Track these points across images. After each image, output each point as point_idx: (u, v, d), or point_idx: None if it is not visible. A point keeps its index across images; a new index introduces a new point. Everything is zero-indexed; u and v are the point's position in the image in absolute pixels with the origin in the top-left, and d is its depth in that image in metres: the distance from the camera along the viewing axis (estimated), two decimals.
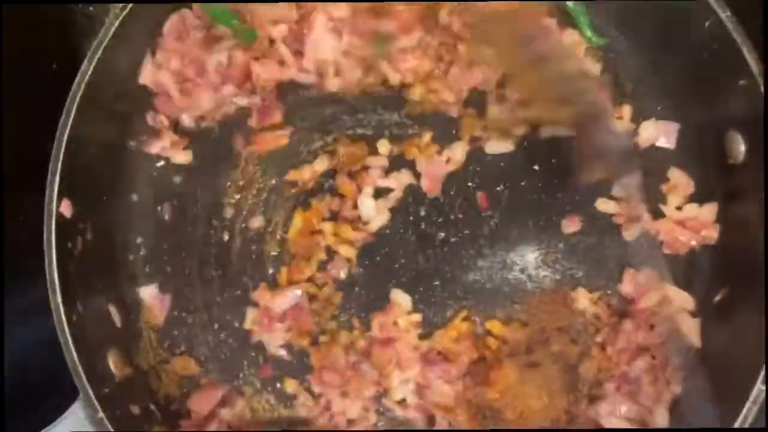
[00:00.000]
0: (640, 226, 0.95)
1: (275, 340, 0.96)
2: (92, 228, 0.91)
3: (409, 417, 0.94)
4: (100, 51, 0.86)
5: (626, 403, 0.91)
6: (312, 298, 0.97)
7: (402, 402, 0.95)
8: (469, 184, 0.97)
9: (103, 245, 0.94)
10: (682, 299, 0.93)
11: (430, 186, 0.97)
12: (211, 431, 0.94)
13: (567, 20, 0.98)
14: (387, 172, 0.98)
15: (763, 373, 0.79)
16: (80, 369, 0.82)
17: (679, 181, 0.95)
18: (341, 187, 0.98)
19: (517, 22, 0.87)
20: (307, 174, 0.98)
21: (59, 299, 0.83)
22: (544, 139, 0.97)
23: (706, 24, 0.86)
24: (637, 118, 0.97)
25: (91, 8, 1.03)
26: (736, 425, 0.80)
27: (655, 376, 0.92)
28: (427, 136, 0.98)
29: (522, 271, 0.96)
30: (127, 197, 0.98)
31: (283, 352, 0.96)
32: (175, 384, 0.95)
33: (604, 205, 0.96)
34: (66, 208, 0.86)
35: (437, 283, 0.97)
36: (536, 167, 0.97)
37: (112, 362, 0.89)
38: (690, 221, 0.94)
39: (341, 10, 0.93)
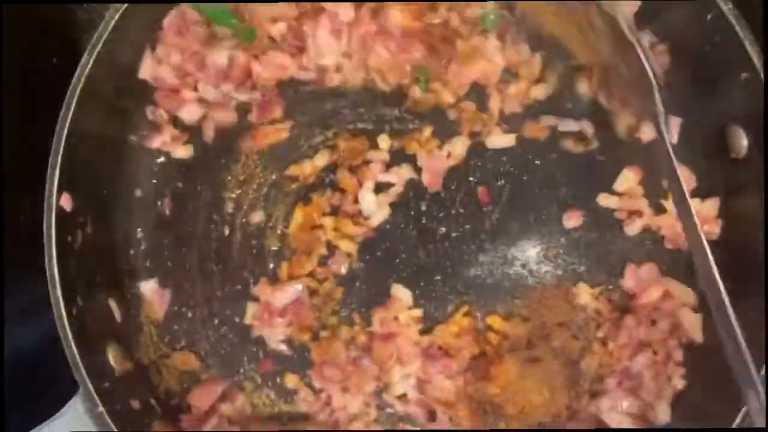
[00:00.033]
0: (642, 221, 0.95)
1: (276, 335, 0.96)
2: (92, 222, 0.91)
3: (409, 412, 0.94)
4: (100, 44, 0.86)
5: (628, 398, 0.92)
6: (313, 293, 0.97)
7: (403, 397, 0.95)
8: (470, 178, 0.97)
9: (103, 239, 0.93)
10: (684, 294, 0.93)
11: (431, 181, 0.97)
12: (211, 428, 0.94)
13: None
14: (388, 166, 0.97)
15: (763, 371, 0.79)
16: (80, 363, 0.82)
17: (682, 176, 0.94)
18: (342, 182, 0.98)
19: None
20: (307, 169, 0.98)
21: (59, 293, 0.83)
22: (544, 135, 0.97)
23: (708, 17, 0.85)
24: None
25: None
26: (737, 422, 0.79)
27: (656, 372, 0.92)
28: (427, 131, 0.97)
29: (523, 266, 0.96)
30: (128, 191, 0.98)
31: (283, 347, 0.96)
32: (175, 379, 0.95)
33: (605, 200, 0.96)
34: (66, 202, 0.85)
35: (438, 278, 0.97)
36: (537, 162, 0.97)
37: (112, 357, 0.89)
38: None
39: (345, 14, 0.93)
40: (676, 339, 0.92)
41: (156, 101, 0.97)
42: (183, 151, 0.99)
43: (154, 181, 0.98)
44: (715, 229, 0.93)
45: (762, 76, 0.83)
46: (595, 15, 0.88)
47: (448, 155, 0.97)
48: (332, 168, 0.98)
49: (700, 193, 0.94)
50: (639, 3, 0.90)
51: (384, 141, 0.98)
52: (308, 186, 0.98)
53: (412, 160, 0.98)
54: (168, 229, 0.98)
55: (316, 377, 0.95)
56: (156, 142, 0.98)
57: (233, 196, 0.99)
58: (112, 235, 0.96)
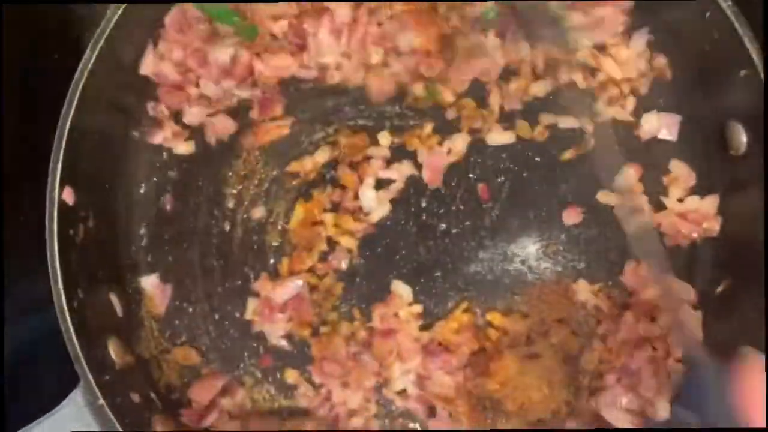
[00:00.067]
0: (642, 218, 0.95)
1: (276, 331, 0.96)
2: (94, 216, 0.91)
3: (409, 407, 0.94)
4: (102, 40, 0.86)
5: (627, 394, 0.91)
6: (313, 288, 0.97)
7: (402, 393, 0.95)
8: (470, 175, 0.97)
9: (104, 234, 0.94)
10: (684, 291, 0.93)
11: (432, 177, 0.97)
12: (211, 422, 0.94)
13: None
14: (388, 163, 0.98)
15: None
16: (81, 356, 0.82)
17: (681, 173, 0.95)
18: (342, 178, 0.98)
19: None
20: (308, 165, 0.98)
21: (60, 286, 0.83)
22: (544, 132, 0.97)
23: (707, 14, 0.86)
24: (639, 110, 0.96)
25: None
26: None
27: (656, 368, 0.91)
28: (428, 128, 0.98)
29: (523, 262, 0.96)
30: (129, 186, 0.98)
31: (283, 343, 0.96)
32: (176, 373, 0.96)
33: (605, 197, 0.96)
34: (68, 196, 0.86)
35: (438, 274, 0.97)
36: (537, 159, 0.97)
37: (113, 350, 0.89)
38: (691, 213, 0.94)
39: (345, 15, 0.94)
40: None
41: (158, 97, 0.97)
42: (184, 147, 0.99)
43: (156, 176, 0.99)
44: (714, 226, 0.93)
45: (761, 72, 0.83)
46: None
47: (449, 152, 0.97)
48: (333, 164, 0.98)
49: (700, 190, 0.95)
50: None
51: (384, 137, 0.98)
52: (309, 182, 0.98)
53: (412, 156, 0.98)
54: (169, 225, 0.98)
55: (316, 372, 0.95)
56: (158, 138, 0.98)
57: (234, 191, 0.99)
58: (114, 229, 0.96)
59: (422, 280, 0.97)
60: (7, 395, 0.83)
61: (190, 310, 0.97)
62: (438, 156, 0.97)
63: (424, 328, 0.95)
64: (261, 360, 0.96)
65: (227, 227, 0.99)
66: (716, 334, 0.91)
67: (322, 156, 0.98)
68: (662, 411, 0.90)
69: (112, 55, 0.89)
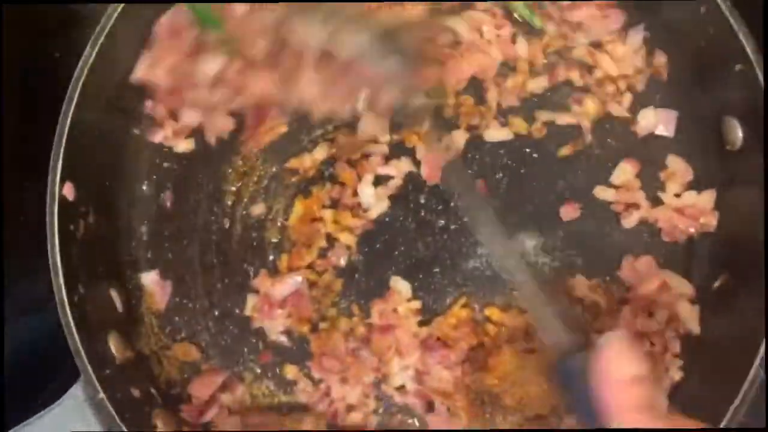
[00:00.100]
0: (639, 213, 0.95)
1: (275, 327, 0.96)
2: (94, 212, 0.92)
3: (408, 403, 0.94)
4: (102, 37, 0.87)
5: None
6: (312, 284, 0.97)
7: (401, 388, 0.95)
8: (469, 171, 0.98)
9: (105, 230, 0.94)
10: (681, 286, 0.93)
11: (430, 173, 0.98)
12: (210, 417, 0.94)
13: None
14: (387, 159, 0.98)
15: (761, 352, 0.80)
16: (81, 349, 0.82)
17: (678, 169, 0.96)
18: (341, 175, 0.98)
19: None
20: (307, 162, 0.99)
21: (61, 281, 0.84)
22: (541, 128, 0.98)
23: (702, 10, 0.86)
24: (636, 107, 0.97)
25: None
26: (733, 407, 0.80)
27: (654, 363, 0.92)
28: (426, 124, 0.98)
29: (521, 258, 0.97)
30: (130, 183, 0.98)
31: (283, 339, 0.96)
32: (176, 369, 0.96)
33: (602, 192, 0.96)
34: (69, 191, 0.86)
35: (437, 270, 0.97)
36: (535, 155, 0.98)
37: (113, 345, 0.89)
38: (689, 208, 0.94)
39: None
40: (673, 330, 0.92)
41: (155, 98, 0.97)
42: (184, 145, 0.99)
43: (156, 173, 0.99)
44: (711, 221, 0.94)
45: (756, 67, 0.84)
46: None
47: (447, 148, 0.98)
48: (332, 161, 0.99)
49: (697, 185, 0.95)
50: None
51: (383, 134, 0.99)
52: (308, 179, 0.99)
53: (411, 153, 0.98)
54: (169, 221, 0.99)
55: (316, 368, 0.95)
56: (158, 137, 0.99)
57: (233, 188, 0.99)
58: (114, 226, 0.97)
59: (421, 276, 0.97)
60: (7, 393, 0.83)
61: (190, 306, 0.98)
62: (436, 152, 0.98)
63: (422, 323, 0.96)
64: (260, 356, 0.97)
65: (227, 224, 0.99)
66: (714, 329, 0.91)
67: (321, 153, 0.99)
68: (659, 406, 0.90)
69: (113, 53, 0.89)
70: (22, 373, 0.89)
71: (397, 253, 0.98)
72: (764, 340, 0.80)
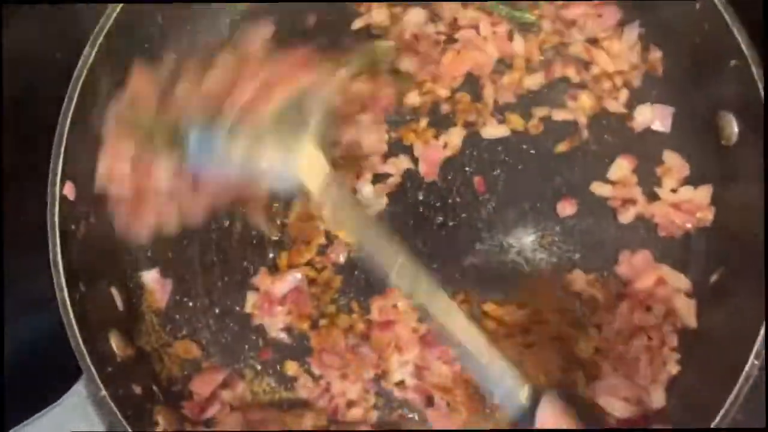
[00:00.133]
0: (636, 209, 0.96)
1: (275, 324, 0.97)
2: (95, 212, 0.92)
3: (407, 398, 0.95)
4: (102, 37, 0.88)
5: (623, 383, 0.92)
6: (312, 282, 0.98)
7: (401, 383, 0.95)
8: (466, 168, 0.99)
9: (105, 229, 0.94)
10: (678, 280, 0.94)
11: (428, 171, 0.98)
12: (212, 414, 0.95)
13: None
14: (385, 157, 0.99)
15: (757, 345, 0.80)
16: (83, 348, 0.83)
17: (674, 164, 0.96)
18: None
19: None
20: None
21: (62, 280, 0.84)
22: (538, 124, 0.98)
23: (697, 6, 0.87)
24: (632, 103, 0.98)
25: None
26: (729, 400, 0.80)
27: (651, 357, 0.92)
28: (423, 122, 0.99)
29: (519, 253, 0.97)
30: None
31: (283, 336, 0.97)
32: (177, 366, 0.96)
33: (599, 188, 0.97)
34: (69, 191, 0.87)
35: (435, 266, 0.98)
36: (532, 151, 0.98)
37: (114, 343, 0.90)
38: (685, 204, 0.95)
39: None
40: (670, 324, 0.93)
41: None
42: None
43: None
44: (708, 216, 0.94)
45: (752, 63, 0.84)
46: None
47: (445, 145, 0.99)
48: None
49: (693, 180, 0.95)
50: None
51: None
52: None
53: (409, 150, 0.99)
54: None
55: (316, 364, 0.96)
56: None
57: None
58: (115, 225, 0.97)
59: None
60: (8, 392, 0.84)
61: (191, 304, 0.98)
62: (434, 150, 0.98)
63: (421, 319, 0.96)
64: (261, 353, 0.97)
65: (226, 223, 1.00)
66: (710, 323, 0.92)
67: None
68: (657, 399, 0.91)
69: (112, 53, 0.90)
70: (23, 371, 0.89)
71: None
72: (760, 335, 0.81)
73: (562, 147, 0.98)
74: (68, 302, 0.84)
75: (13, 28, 0.95)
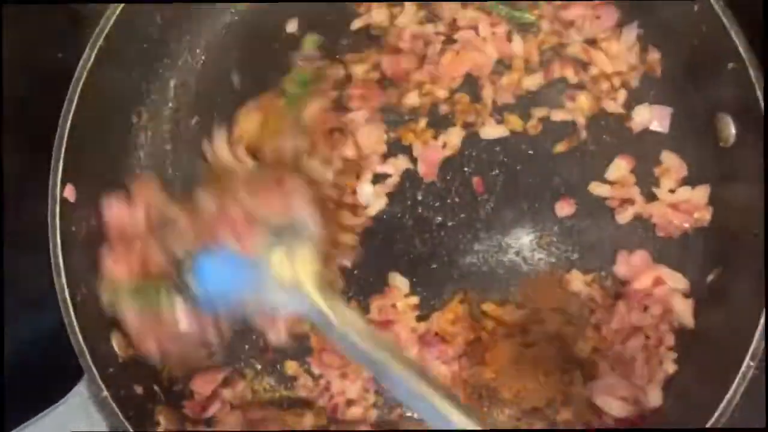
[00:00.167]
0: (634, 209, 0.96)
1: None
2: (96, 214, 0.92)
3: None
4: (102, 39, 0.88)
5: (621, 382, 0.92)
6: None
7: None
8: (465, 168, 0.99)
9: (106, 230, 0.95)
10: (676, 280, 0.94)
11: (427, 171, 0.99)
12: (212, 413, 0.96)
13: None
14: (384, 157, 0.99)
15: (753, 345, 0.81)
16: (84, 348, 0.84)
17: (672, 165, 0.96)
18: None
19: None
20: None
21: (64, 282, 0.85)
22: (536, 125, 0.99)
23: (695, 8, 0.87)
24: (630, 103, 0.98)
25: None
26: (726, 399, 0.81)
27: (648, 356, 0.93)
28: (422, 122, 0.99)
29: (517, 253, 0.98)
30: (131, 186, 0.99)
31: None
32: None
33: (597, 188, 0.97)
34: (70, 194, 0.88)
35: (434, 266, 0.98)
36: (531, 152, 0.98)
37: (116, 344, 0.90)
38: (683, 204, 0.95)
39: None
40: (667, 324, 0.93)
41: None
42: None
43: (158, 175, 1.00)
44: (705, 216, 0.94)
45: (748, 66, 0.85)
46: None
47: (444, 146, 0.99)
48: None
49: (691, 180, 0.96)
50: None
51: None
52: None
53: (408, 150, 0.99)
54: None
55: (316, 364, 0.97)
56: None
57: None
58: None
59: (419, 272, 0.98)
60: (9, 392, 0.85)
61: None
62: (433, 150, 0.99)
63: (420, 318, 0.97)
64: (261, 352, 0.98)
65: None
66: (707, 323, 0.92)
67: None
68: (654, 398, 0.91)
69: (112, 55, 0.90)
70: (24, 371, 0.90)
71: (395, 249, 0.99)
72: (757, 335, 0.81)
73: (560, 147, 0.98)
74: (70, 304, 0.85)
75: (13, 28, 0.94)
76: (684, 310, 0.93)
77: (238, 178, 0.85)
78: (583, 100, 0.98)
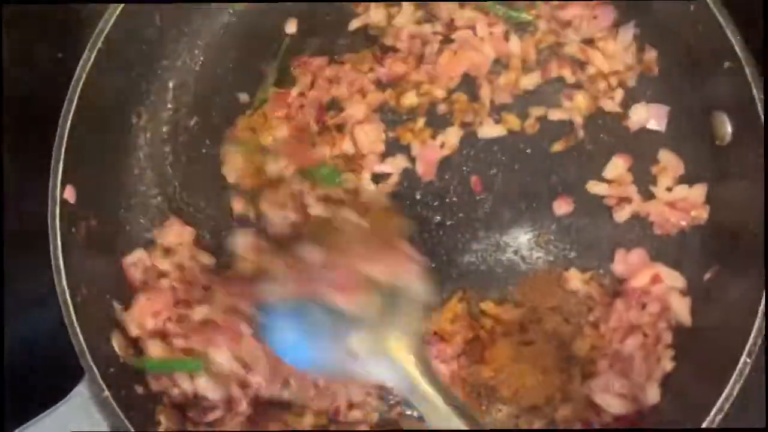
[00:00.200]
0: (631, 207, 0.97)
1: None
2: (95, 215, 0.93)
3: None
4: (101, 41, 0.88)
5: (619, 379, 0.93)
6: None
7: None
8: (463, 168, 0.99)
9: (106, 232, 0.96)
10: (673, 278, 0.95)
11: (425, 170, 0.99)
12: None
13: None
14: (383, 157, 1.00)
15: (750, 342, 0.81)
16: (85, 349, 0.84)
17: (669, 163, 0.97)
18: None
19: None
20: None
21: (64, 283, 0.86)
22: (534, 124, 0.99)
23: (691, 7, 0.88)
24: (627, 102, 0.98)
25: None
26: (723, 396, 0.81)
27: (646, 354, 0.93)
28: (420, 122, 1.00)
29: (515, 252, 0.98)
30: (131, 186, 1.00)
31: None
32: None
33: (595, 187, 0.98)
34: (70, 195, 0.88)
35: (433, 265, 0.98)
36: (528, 151, 0.99)
37: (117, 344, 0.91)
38: (680, 202, 0.96)
39: None
40: (665, 322, 0.94)
41: None
42: None
43: (157, 176, 1.01)
44: (702, 214, 0.95)
45: (744, 65, 0.85)
46: None
47: (442, 145, 0.99)
48: None
49: (688, 179, 0.96)
50: None
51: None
52: None
53: (406, 150, 1.00)
54: None
55: None
56: None
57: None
58: (115, 227, 0.98)
59: None
60: (10, 392, 0.85)
61: None
62: (431, 149, 0.99)
63: None
64: None
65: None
66: (705, 320, 0.92)
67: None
68: (652, 395, 0.91)
69: (111, 56, 0.91)
70: (24, 372, 0.90)
71: None
72: (753, 332, 0.82)
73: (558, 146, 0.98)
74: (71, 305, 0.85)
75: (13, 28, 0.95)
76: (681, 308, 0.94)
77: (348, 235, 0.85)
78: (581, 99, 0.98)
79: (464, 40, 0.99)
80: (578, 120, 0.98)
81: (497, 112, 0.99)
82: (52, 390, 0.87)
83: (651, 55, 0.97)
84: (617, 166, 0.97)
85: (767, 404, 0.81)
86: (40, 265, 0.87)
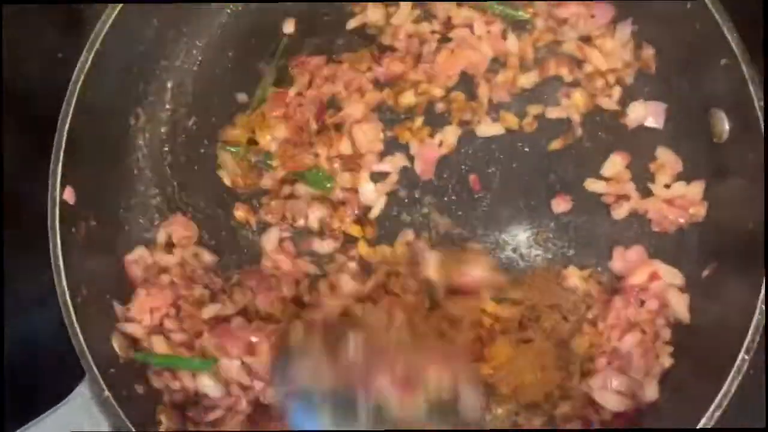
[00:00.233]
0: (629, 204, 0.97)
1: None
2: (95, 215, 0.93)
3: None
4: (98, 42, 0.89)
5: (618, 376, 0.93)
6: None
7: None
8: (462, 166, 0.99)
9: (106, 232, 0.96)
10: (671, 275, 0.95)
11: (424, 169, 0.99)
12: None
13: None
14: (381, 155, 1.00)
15: (748, 339, 0.82)
16: (86, 349, 0.85)
17: (667, 160, 0.97)
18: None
19: None
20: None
21: (65, 283, 0.86)
22: (532, 122, 0.99)
23: (688, 5, 0.88)
24: (625, 100, 0.98)
25: None
26: (721, 393, 0.82)
27: (645, 350, 0.93)
28: (419, 120, 1.00)
29: (514, 250, 0.98)
30: (130, 187, 1.01)
31: None
32: None
33: (593, 184, 0.98)
34: (69, 196, 0.88)
35: None
36: (526, 149, 0.99)
37: (117, 345, 0.91)
38: (678, 199, 0.96)
39: None
40: (663, 319, 0.94)
41: None
42: None
43: (156, 176, 1.02)
44: (700, 211, 0.95)
45: (741, 62, 0.85)
46: None
47: (440, 144, 0.99)
48: None
49: (686, 176, 0.96)
50: None
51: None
52: None
53: (405, 149, 1.00)
54: None
55: None
56: None
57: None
58: (115, 228, 0.99)
59: None
60: (10, 392, 0.86)
61: None
62: (429, 148, 0.99)
63: None
64: None
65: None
66: (703, 317, 0.93)
67: None
68: (651, 392, 0.92)
69: (110, 58, 0.91)
70: (25, 372, 0.91)
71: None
72: (751, 329, 0.82)
73: (556, 144, 0.99)
74: (70, 304, 0.85)
75: (13, 28, 0.95)
76: (680, 305, 0.94)
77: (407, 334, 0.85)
78: (578, 97, 0.98)
79: (462, 38, 0.99)
80: (576, 118, 0.98)
81: (495, 110, 1.00)
82: (52, 390, 0.87)
83: (648, 52, 0.97)
84: (615, 164, 0.97)
85: (767, 404, 0.81)
86: (40, 265, 0.87)
